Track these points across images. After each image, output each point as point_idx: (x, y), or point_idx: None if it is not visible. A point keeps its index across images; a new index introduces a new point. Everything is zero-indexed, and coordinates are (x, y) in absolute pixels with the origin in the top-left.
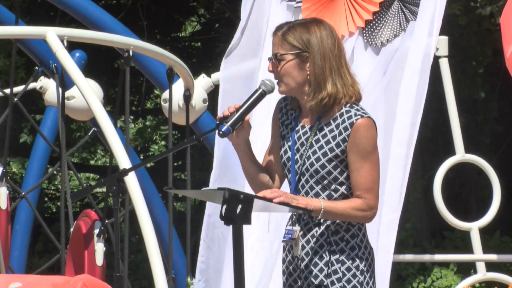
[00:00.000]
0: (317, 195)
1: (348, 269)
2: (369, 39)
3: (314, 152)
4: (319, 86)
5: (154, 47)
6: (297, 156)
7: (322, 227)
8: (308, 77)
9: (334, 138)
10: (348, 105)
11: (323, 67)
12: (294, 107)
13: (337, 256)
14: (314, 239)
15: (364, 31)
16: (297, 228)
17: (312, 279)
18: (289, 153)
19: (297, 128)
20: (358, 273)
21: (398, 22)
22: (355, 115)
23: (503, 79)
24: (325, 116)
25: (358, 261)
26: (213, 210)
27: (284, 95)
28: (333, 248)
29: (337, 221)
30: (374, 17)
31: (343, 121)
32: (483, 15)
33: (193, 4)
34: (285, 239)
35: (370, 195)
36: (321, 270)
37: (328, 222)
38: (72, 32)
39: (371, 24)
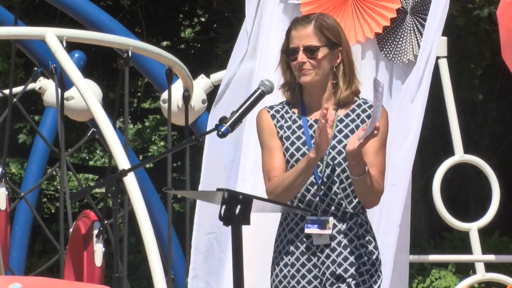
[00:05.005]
0: (341, 182)
1: (373, 263)
2: (390, 56)
3: (340, 141)
4: (351, 78)
5: (153, 47)
6: None
7: (351, 222)
8: (334, 70)
9: (357, 127)
10: (360, 97)
11: (352, 61)
12: (294, 102)
13: (364, 249)
14: (343, 232)
15: (383, 49)
16: (329, 218)
17: (342, 272)
18: (304, 149)
19: (309, 123)
20: (374, 268)
21: (416, 40)
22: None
23: (501, 80)
24: (342, 108)
25: (376, 252)
26: (202, 219)
27: (269, 105)
28: (361, 242)
29: (360, 216)
30: (389, 32)
31: (364, 111)
32: (481, 16)
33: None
34: (309, 228)
35: (383, 177)
36: (351, 264)
37: (355, 217)
38: (71, 33)
39: (388, 40)
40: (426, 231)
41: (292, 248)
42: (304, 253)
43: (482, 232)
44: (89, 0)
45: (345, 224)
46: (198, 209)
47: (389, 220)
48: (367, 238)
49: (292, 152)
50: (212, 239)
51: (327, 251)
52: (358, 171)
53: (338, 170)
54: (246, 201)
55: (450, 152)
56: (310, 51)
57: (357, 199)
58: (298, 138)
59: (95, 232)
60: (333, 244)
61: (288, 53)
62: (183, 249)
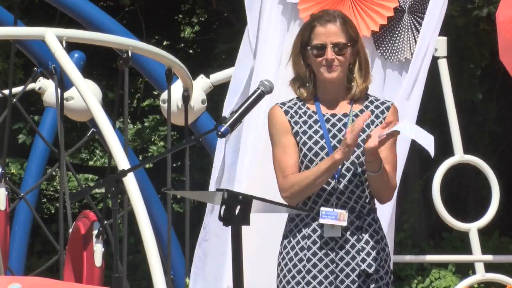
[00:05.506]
0: (360, 176)
1: (387, 255)
2: (386, 54)
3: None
4: (367, 74)
5: (153, 47)
6: (334, 142)
7: (369, 218)
8: (350, 66)
9: (373, 122)
10: (370, 94)
11: (367, 56)
12: (308, 98)
13: (379, 245)
14: (363, 228)
15: (379, 48)
16: (343, 211)
17: (366, 267)
18: (322, 142)
19: (325, 118)
20: (388, 259)
21: (414, 38)
22: (386, 101)
23: (501, 80)
24: (356, 103)
25: (387, 249)
26: (208, 224)
27: (280, 102)
28: (377, 238)
29: (375, 212)
30: (386, 31)
31: (377, 107)
32: (480, 16)
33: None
34: (324, 219)
35: (395, 173)
36: (374, 259)
37: (372, 213)
38: (71, 33)
39: (385, 39)
40: (425, 231)
41: (308, 243)
42: (322, 248)
43: (482, 232)
44: (88, 0)
45: (363, 220)
46: (206, 215)
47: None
48: (380, 235)
49: (310, 145)
50: (210, 244)
51: (347, 247)
52: (375, 167)
53: (357, 163)
54: (246, 201)
55: (450, 152)
56: (339, 48)
57: (371, 195)
58: (316, 132)
59: (95, 232)
60: (352, 240)
61: (314, 49)
62: (183, 249)
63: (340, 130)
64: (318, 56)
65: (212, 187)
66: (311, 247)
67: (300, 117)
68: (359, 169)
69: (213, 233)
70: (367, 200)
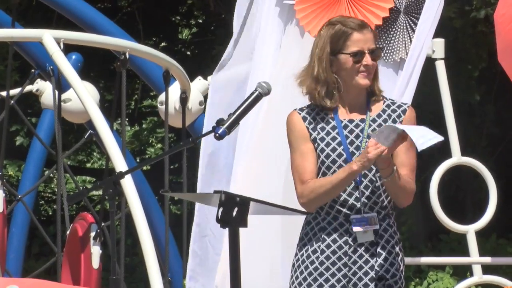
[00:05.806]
0: (377, 182)
1: (401, 260)
2: (382, 55)
3: None
4: (378, 78)
5: (150, 49)
6: (352, 148)
7: (384, 223)
8: None
9: None
10: (387, 97)
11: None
12: (331, 105)
13: (395, 250)
14: (378, 234)
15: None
16: (374, 214)
17: (384, 273)
18: (340, 149)
19: (343, 124)
20: (402, 264)
21: (409, 38)
22: (402, 104)
23: (499, 82)
24: (373, 108)
25: (401, 254)
26: (201, 221)
27: (298, 108)
28: (393, 243)
29: (391, 218)
30: (381, 31)
31: (394, 111)
32: (477, 18)
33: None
34: (357, 226)
35: (413, 176)
36: (392, 264)
37: (388, 219)
38: (68, 35)
39: (380, 39)
40: (423, 233)
41: (322, 246)
42: (335, 251)
43: (479, 234)
44: (86, 2)
45: (379, 225)
46: (197, 210)
47: None
48: (395, 240)
49: (327, 152)
50: (207, 241)
51: (361, 251)
52: (387, 173)
53: (374, 169)
54: (243, 203)
55: (448, 154)
56: (375, 54)
57: (388, 198)
58: (333, 139)
59: (92, 234)
60: (366, 244)
61: (351, 55)
62: (180, 251)
63: (357, 136)
64: (357, 62)
65: (200, 187)
66: (325, 251)
67: (318, 123)
68: (376, 175)
69: (211, 231)
70: (383, 206)
